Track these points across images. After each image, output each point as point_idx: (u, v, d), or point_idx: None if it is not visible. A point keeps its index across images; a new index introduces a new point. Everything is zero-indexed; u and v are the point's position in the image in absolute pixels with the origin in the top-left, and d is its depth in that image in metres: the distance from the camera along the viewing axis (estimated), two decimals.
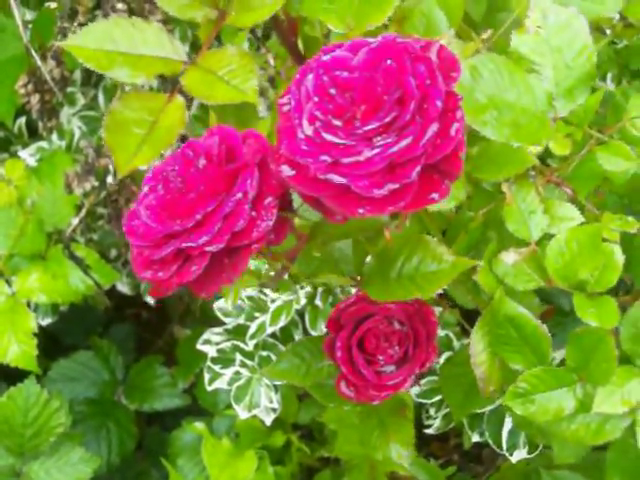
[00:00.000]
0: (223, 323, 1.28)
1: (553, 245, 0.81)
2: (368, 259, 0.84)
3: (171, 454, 1.51)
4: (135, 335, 1.75)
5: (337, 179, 0.64)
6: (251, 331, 1.19)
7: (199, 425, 1.38)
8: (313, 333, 1.16)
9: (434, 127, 0.64)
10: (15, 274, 1.29)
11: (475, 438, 1.08)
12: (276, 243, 0.72)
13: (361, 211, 0.65)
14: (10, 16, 1.37)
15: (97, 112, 1.49)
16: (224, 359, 1.21)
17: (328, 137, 0.65)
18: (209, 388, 1.22)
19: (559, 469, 1.13)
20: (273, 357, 1.17)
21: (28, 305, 1.28)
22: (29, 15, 1.45)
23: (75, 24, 1.33)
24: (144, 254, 0.71)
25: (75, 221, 1.39)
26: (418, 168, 0.64)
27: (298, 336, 1.19)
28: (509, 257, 0.84)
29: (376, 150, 0.63)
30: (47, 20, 1.38)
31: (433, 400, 1.10)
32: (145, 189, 0.74)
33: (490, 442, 1.06)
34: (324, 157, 0.65)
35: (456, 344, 1.11)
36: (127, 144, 0.81)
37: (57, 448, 1.29)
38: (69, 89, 1.48)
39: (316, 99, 0.67)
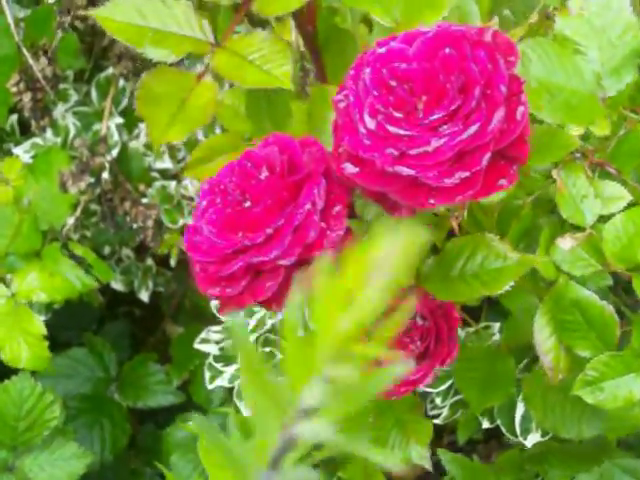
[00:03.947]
0: (216, 320, 1.28)
1: (609, 228, 0.82)
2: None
3: (164, 451, 1.51)
4: (129, 332, 1.75)
5: (405, 171, 0.64)
6: (251, 326, 1.19)
7: (193, 423, 1.38)
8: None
9: (500, 112, 0.64)
10: (11, 273, 1.28)
11: (485, 425, 1.07)
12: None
13: (432, 201, 0.65)
14: (1, 14, 1.36)
15: (90, 108, 1.49)
16: (226, 357, 1.20)
17: (393, 129, 0.65)
18: (210, 387, 1.22)
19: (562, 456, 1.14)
20: (276, 353, 1.17)
21: None
22: (21, 13, 1.44)
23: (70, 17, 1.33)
24: (209, 270, 0.71)
25: (71, 220, 1.39)
26: (488, 155, 0.63)
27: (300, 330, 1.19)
28: (565, 243, 0.83)
29: (444, 139, 0.63)
30: (40, 17, 1.38)
31: (439, 389, 1.09)
32: (203, 203, 0.73)
33: (503, 429, 1.05)
34: (390, 150, 0.64)
35: (461, 333, 1.11)
36: (159, 116, 0.82)
37: (50, 443, 1.28)
38: (61, 86, 1.47)
39: (376, 93, 0.67)
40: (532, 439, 1.03)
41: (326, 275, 0.40)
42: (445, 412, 1.10)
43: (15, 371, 1.30)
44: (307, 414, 0.41)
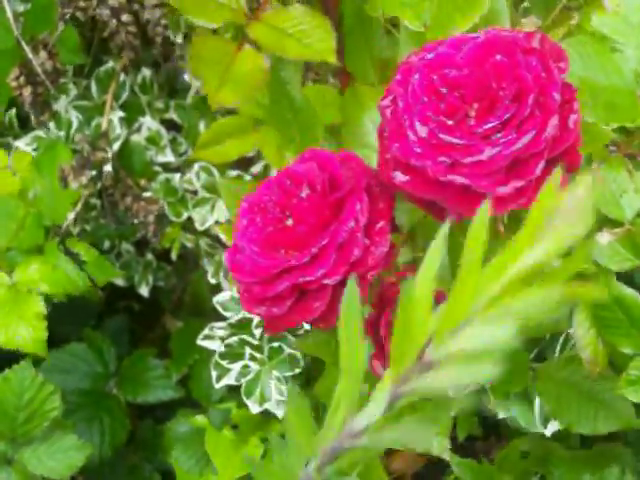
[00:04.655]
0: (217, 314, 1.28)
1: None
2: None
3: (165, 446, 1.51)
4: (128, 327, 1.74)
5: (459, 180, 0.63)
6: (257, 319, 1.19)
7: (199, 418, 1.38)
8: None
9: (554, 120, 0.63)
10: (12, 268, 1.28)
11: (501, 415, 1.07)
12: (385, 266, 0.71)
13: None
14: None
15: (90, 102, 1.48)
16: (232, 354, 1.20)
17: (445, 138, 0.64)
18: (217, 386, 1.22)
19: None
20: (284, 347, 1.16)
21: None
22: (20, 7, 1.43)
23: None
24: (254, 291, 0.70)
25: (72, 215, 1.38)
26: (542, 163, 0.63)
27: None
28: (603, 238, 0.83)
29: (498, 148, 0.63)
30: (40, 11, 1.37)
31: None
32: (244, 222, 0.73)
33: (520, 420, 1.04)
34: (443, 158, 0.64)
35: None
36: (209, 78, 0.82)
37: (50, 435, 1.27)
38: (61, 80, 1.47)
39: (425, 99, 0.66)
40: (552, 428, 1.02)
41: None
42: None
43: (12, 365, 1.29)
44: (430, 367, 0.42)
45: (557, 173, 0.41)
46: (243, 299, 0.72)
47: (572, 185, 0.41)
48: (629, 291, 0.84)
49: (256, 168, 1.39)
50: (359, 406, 0.47)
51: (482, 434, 1.45)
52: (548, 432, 1.03)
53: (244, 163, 1.38)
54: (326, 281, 0.67)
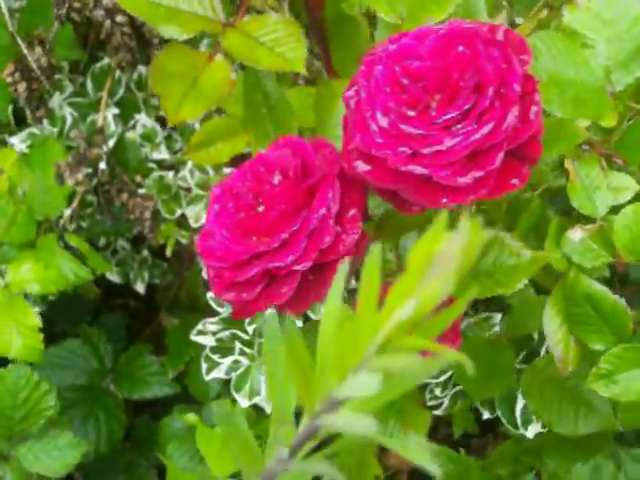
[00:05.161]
0: (212, 311, 1.28)
1: (620, 220, 0.81)
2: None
3: (160, 442, 1.51)
4: (125, 324, 1.74)
5: (419, 170, 0.64)
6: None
7: (191, 415, 1.38)
8: (312, 315, 1.15)
9: (514, 111, 0.63)
10: (5, 264, 1.28)
11: (486, 415, 1.07)
12: (356, 254, 0.70)
13: (444, 201, 0.64)
14: None
15: (86, 99, 1.48)
16: (223, 348, 1.20)
17: (406, 128, 0.64)
18: (207, 378, 1.22)
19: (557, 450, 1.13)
20: None
21: None
22: (15, 4, 1.44)
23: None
24: (224, 276, 0.70)
25: (68, 211, 1.38)
26: (501, 154, 0.63)
27: (298, 321, 1.18)
28: (576, 234, 0.83)
29: (458, 138, 0.63)
30: (36, 7, 1.37)
31: (439, 380, 1.09)
32: (216, 207, 0.73)
33: (503, 420, 1.05)
34: (403, 148, 0.64)
35: (462, 323, 1.10)
36: (171, 94, 0.82)
37: (45, 432, 1.28)
38: (56, 76, 1.47)
39: (388, 90, 0.66)
40: (533, 430, 1.03)
41: (375, 266, 0.41)
42: (446, 403, 1.10)
43: (6, 363, 1.29)
44: (337, 406, 0.42)
45: (443, 216, 0.41)
46: (213, 284, 0.72)
47: (455, 231, 0.40)
48: (598, 287, 0.84)
49: None
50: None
51: (479, 431, 1.45)
52: (529, 434, 1.03)
53: (238, 161, 1.38)
54: (296, 267, 0.68)
